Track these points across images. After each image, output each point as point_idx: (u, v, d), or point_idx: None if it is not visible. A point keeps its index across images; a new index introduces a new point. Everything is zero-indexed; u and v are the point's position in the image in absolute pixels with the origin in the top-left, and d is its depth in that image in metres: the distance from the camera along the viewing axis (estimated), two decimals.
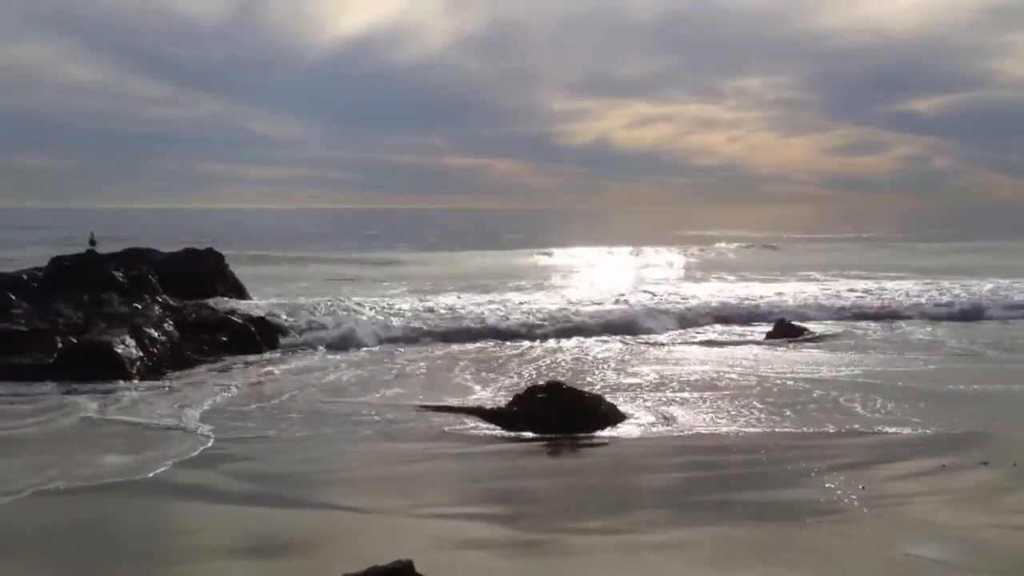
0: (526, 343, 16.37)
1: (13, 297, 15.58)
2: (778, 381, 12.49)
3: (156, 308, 16.33)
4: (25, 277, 17.52)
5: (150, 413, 10.85)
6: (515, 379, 12.76)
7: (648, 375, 13.04)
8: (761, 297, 22.05)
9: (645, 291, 22.89)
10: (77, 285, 16.79)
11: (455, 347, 15.96)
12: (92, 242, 18.74)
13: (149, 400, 11.51)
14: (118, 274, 17.64)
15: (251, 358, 14.65)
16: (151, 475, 8.23)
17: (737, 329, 18.27)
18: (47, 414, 10.78)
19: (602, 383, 12.39)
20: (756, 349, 15.83)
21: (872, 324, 18.76)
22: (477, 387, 12.30)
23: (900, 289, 23.43)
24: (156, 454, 8.96)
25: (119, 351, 12.72)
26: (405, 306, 19.51)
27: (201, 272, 20.33)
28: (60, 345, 13.15)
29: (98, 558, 6.39)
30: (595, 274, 33.77)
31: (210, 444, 9.33)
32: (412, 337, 16.65)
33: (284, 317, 17.65)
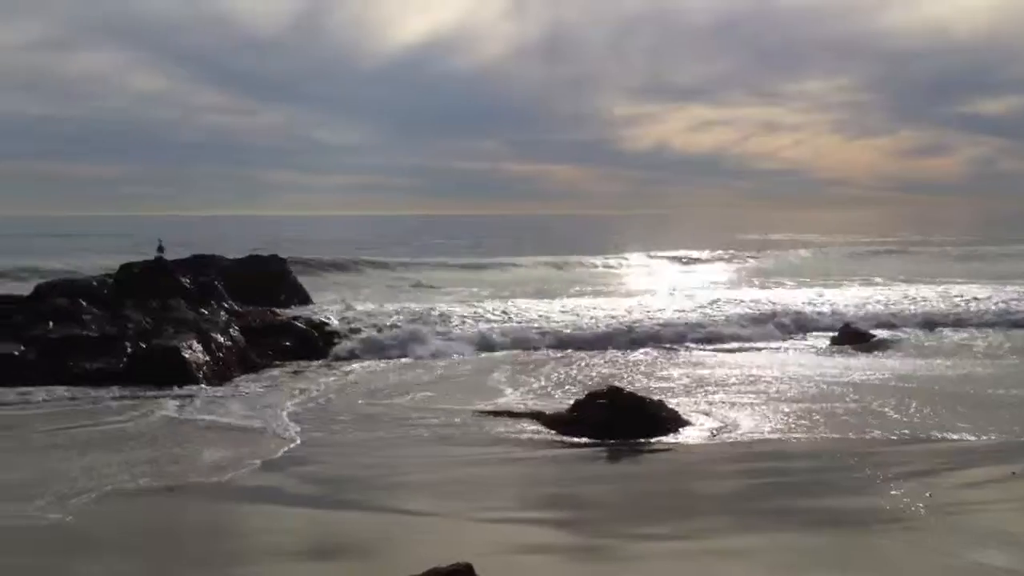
0: (599, 350, 16.12)
1: (84, 303, 15.96)
2: (842, 387, 12.31)
3: (222, 314, 16.61)
4: (95, 284, 17.95)
5: (225, 415, 11.08)
6: (579, 385, 12.73)
7: (711, 381, 12.94)
8: (826, 302, 21.74)
9: (729, 299, 22.55)
10: (146, 291, 17.15)
11: (524, 353, 15.89)
12: (160, 249, 19.14)
13: (220, 403, 11.75)
14: (185, 280, 17.99)
15: (314, 363, 14.85)
16: (223, 478, 8.40)
17: (801, 334, 17.98)
18: (125, 414, 11.07)
19: (665, 389, 12.31)
20: (821, 355, 15.63)
21: (940, 330, 18.38)
22: (540, 393, 12.31)
23: (970, 294, 22.90)
24: (233, 455, 9.14)
25: (186, 356, 12.98)
26: (467, 311, 19.59)
27: (265, 278, 20.72)
28: (129, 350, 13.45)
29: (164, 558, 6.52)
30: (659, 280, 33.47)
31: (292, 446, 9.48)
32: (481, 344, 16.55)
33: (346, 322, 17.86)
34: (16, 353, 13.11)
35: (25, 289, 18.20)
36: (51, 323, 14.72)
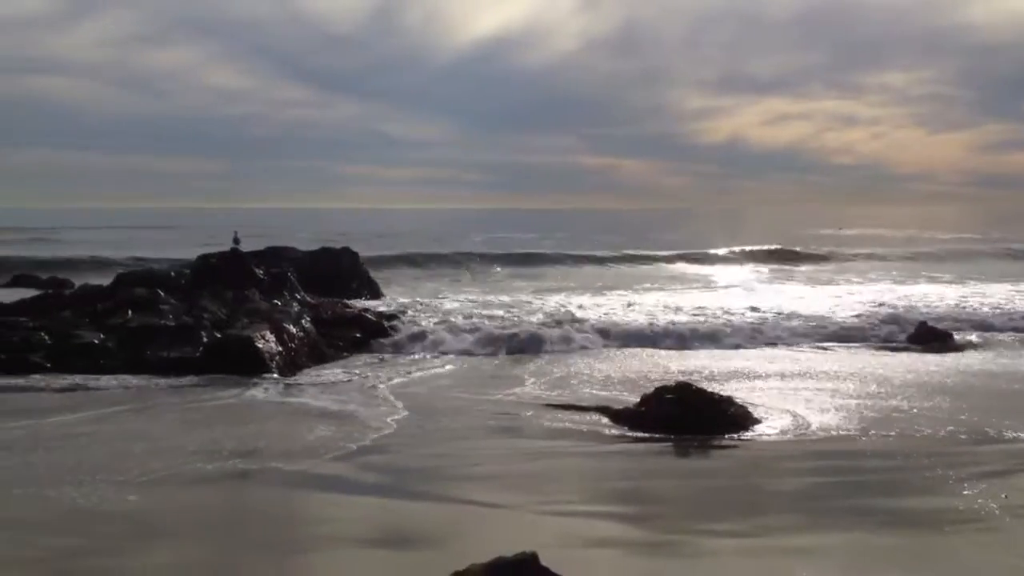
0: (675, 350, 15.85)
1: (162, 293, 16.36)
2: (918, 387, 12.04)
3: (295, 305, 16.87)
4: (173, 274, 18.40)
5: (295, 406, 11.28)
6: (650, 384, 12.63)
7: (783, 379, 12.76)
8: (903, 299, 21.29)
9: (802, 296, 22.15)
10: (221, 282, 17.51)
11: (600, 350, 15.73)
12: (236, 241, 19.51)
13: (291, 393, 11.96)
14: (259, 272, 18.31)
15: (385, 355, 14.98)
16: (293, 466, 8.54)
17: (878, 333, 17.56)
18: (198, 401, 11.33)
19: (737, 386, 12.16)
20: (897, 354, 15.30)
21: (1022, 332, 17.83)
22: (610, 387, 12.27)
23: None
24: (303, 444, 9.29)
25: (260, 346, 13.21)
26: (535, 303, 19.61)
27: (337, 270, 21.01)
28: (205, 340, 13.74)
29: (234, 543, 6.65)
30: (733, 276, 33.05)
31: (361, 436, 9.59)
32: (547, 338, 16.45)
33: (417, 315, 18.03)
34: (96, 341, 13.48)
35: (106, 279, 18.69)
36: (130, 312, 15.12)
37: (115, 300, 16.12)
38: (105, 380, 12.43)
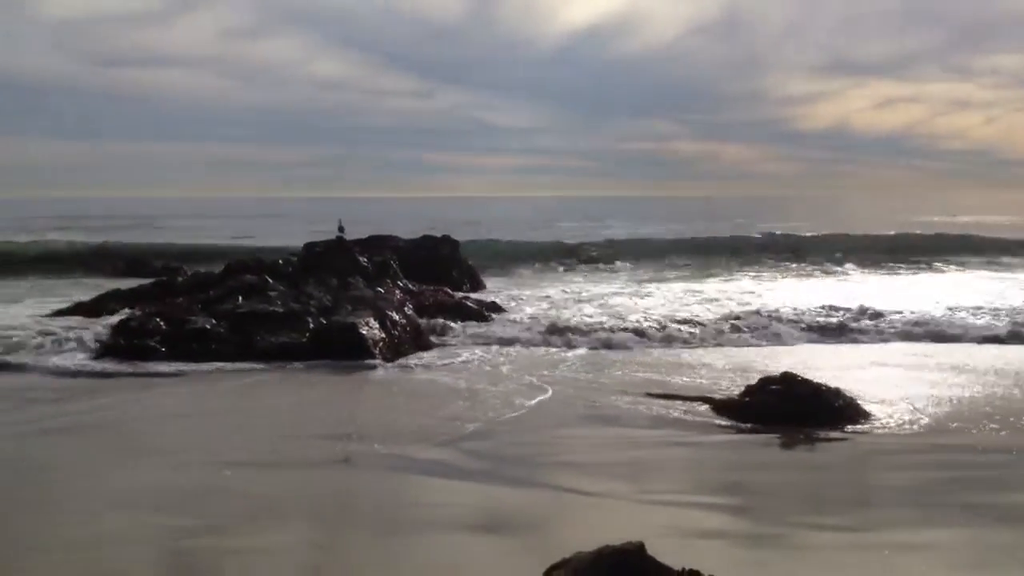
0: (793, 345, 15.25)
1: (270, 280, 16.78)
2: None
3: (397, 292, 17.11)
4: (281, 262, 18.82)
5: (396, 391, 11.46)
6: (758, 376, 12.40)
7: (894, 372, 12.41)
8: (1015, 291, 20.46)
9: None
10: (327, 269, 17.87)
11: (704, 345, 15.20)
12: (340, 229, 19.87)
13: (393, 380, 12.17)
14: (363, 259, 18.62)
15: (484, 343, 15.02)
16: (396, 450, 8.68)
17: (992, 327, 16.86)
18: (306, 387, 11.60)
19: (844, 378, 11.83)
20: (1015, 348, 14.71)
21: None
22: (715, 379, 12.12)
23: None
24: (406, 429, 9.44)
25: (363, 332, 13.43)
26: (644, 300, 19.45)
27: (438, 258, 21.20)
28: (311, 325, 14.04)
29: (338, 524, 6.80)
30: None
31: (461, 422, 9.68)
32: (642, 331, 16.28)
33: (518, 304, 18.09)
34: (208, 327, 13.90)
35: (217, 266, 19.24)
36: (240, 299, 15.55)
37: (225, 287, 16.61)
38: (215, 365, 12.81)
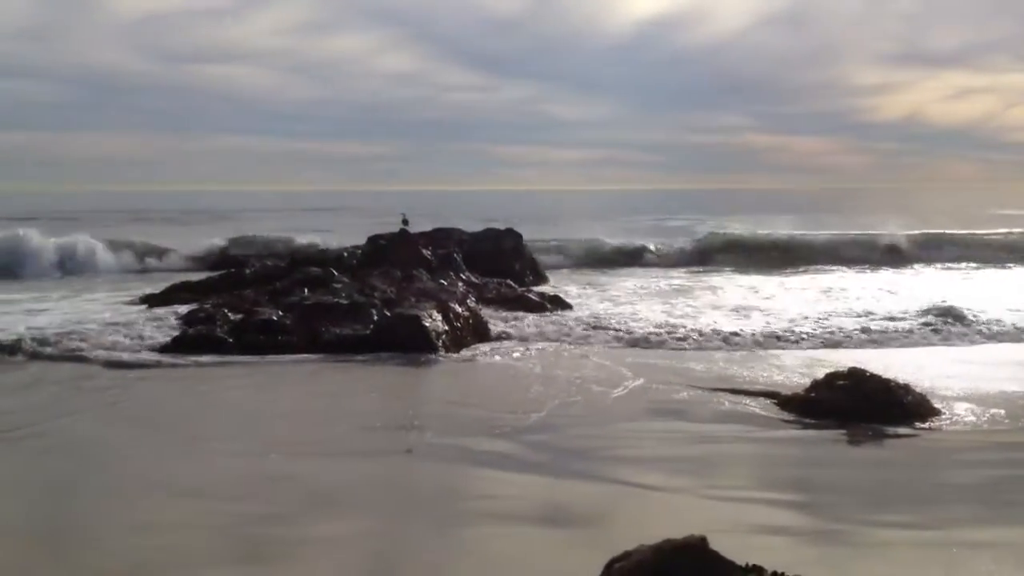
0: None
1: (335, 272, 16.98)
2: None
3: (460, 284, 17.19)
4: (345, 254, 19.09)
5: (459, 384, 11.52)
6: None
7: (970, 369, 12.07)
8: None
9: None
10: (390, 262, 18.03)
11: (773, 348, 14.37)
12: (404, 222, 20.05)
13: (457, 371, 12.22)
14: (426, 252, 18.75)
15: (546, 336, 14.98)
16: (458, 441, 8.72)
17: None
18: (371, 379, 11.72)
19: (914, 376, 11.56)
20: None
21: None
22: (780, 377, 11.96)
23: None
24: (467, 421, 9.48)
25: (427, 324, 13.50)
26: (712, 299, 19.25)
27: (501, 251, 21.22)
28: (375, 317, 14.15)
29: (400, 514, 6.84)
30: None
31: (522, 414, 9.68)
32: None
33: (583, 298, 18.05)
34: (275, 318, 14.09)
35: (284, 258, 19.51)
36: (306, 290, 15.76)
37: (291, 279, 16.85)
38: (281, 357, 12.98)
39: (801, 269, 26.09)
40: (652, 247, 30.02)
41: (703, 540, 4.48)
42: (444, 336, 13.56)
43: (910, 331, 14.93)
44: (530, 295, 17.52)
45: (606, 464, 8.01)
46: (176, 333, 13.92)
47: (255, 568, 5.86)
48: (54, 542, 6.34)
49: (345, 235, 28.35)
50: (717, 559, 4.46)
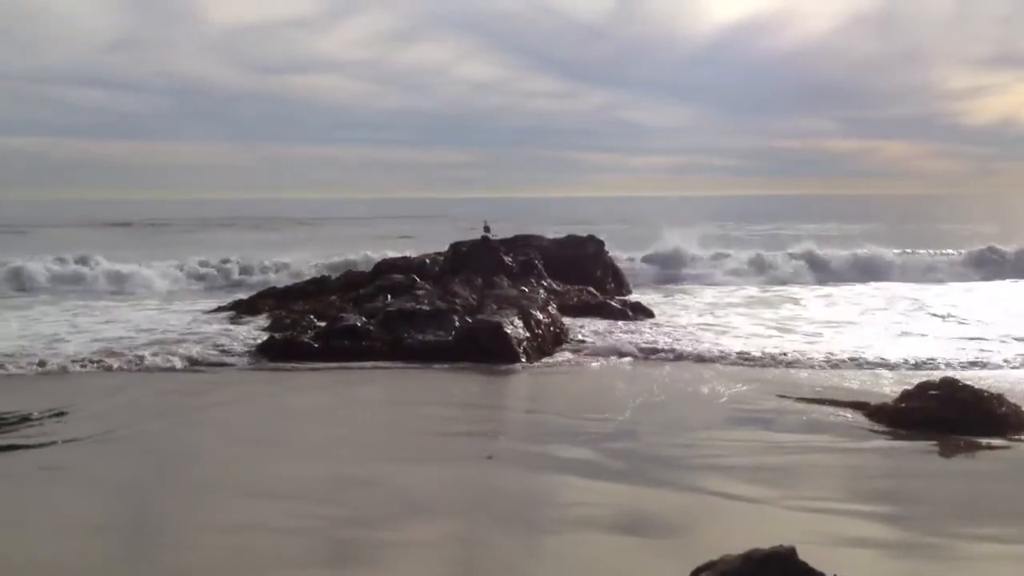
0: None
1: (418, 279, 17.16)
2: None
3: (541, 291, 17.21)
4: (428, 261, 19.25)
5: (537, 393, 11.53)
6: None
7: None
8: None
9: None
10: (472, 268, 18.13)
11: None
12: (486, 229, 20.14)
13: (536, 379, 12.24)
14: (508, 259, 18.81)
15: (627, 345, 14.87)
16: (538, 448, 8.74)
17: None
18: (457, 386, 11.81)
19: (1007, 387, 11.21)
20: None
21: None
22: (869, 386, 11.70)
23: None
24: (547, 428, 9.49)
25: (508, 331, 13.55)
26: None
27: (582, 258, 21.15)
28: (457, 324, 14.25)
29: (483, 520, 6.87)
30: None
31: (605, 421, 9.65)
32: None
33: (667, 306, 17.91)
34: (359, 324, 14.30)
35: (367, 265, 19.78)
36: (389, 297, 15.95)
37: (375, 286, 17.08)
38: (365, 363, 13.14)
39: (884, 282, 25.19)
40: (735, 257, 28.89)
41: (792, 551, 4.42)
42: (525, 343, 13.59)
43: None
44: (612, 302, 17.47)
45: (688, 473, 7.93)
46: (263, 339, 14.22)
47: (340, 571, 5.94)
48: (142, 540, 6.54)
49: (427, 242, 28.59)
50: (805, 569, 4.39)
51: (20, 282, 21.96)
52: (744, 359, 13.32)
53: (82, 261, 24.86)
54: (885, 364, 12.79)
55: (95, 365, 12.68)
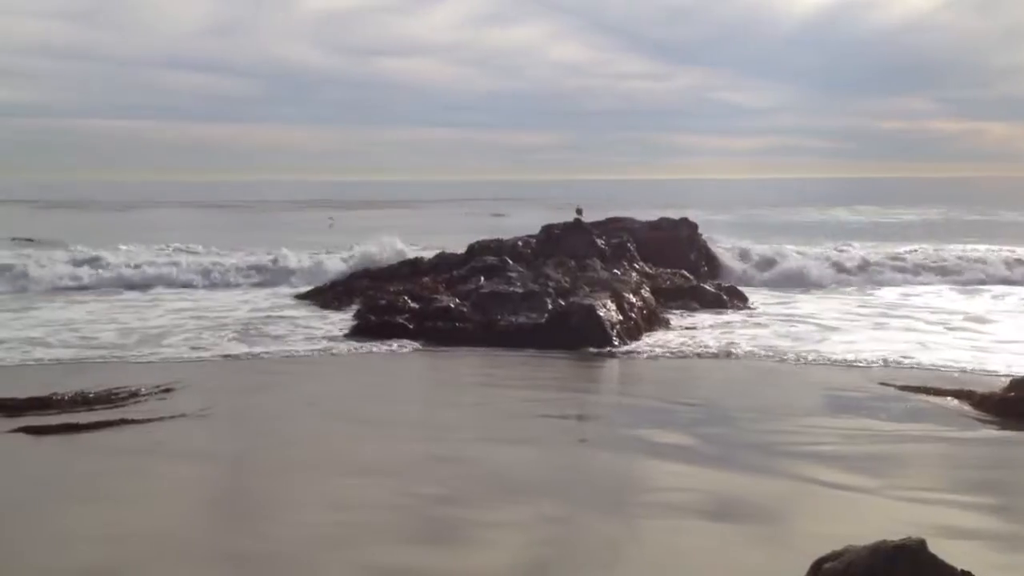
0: None
1: (510, 262, 17.22)
2: None
3: (633, 274, 17.10)
4: (520, 244, 19.27)
5: (631, 377, 11.49)
6: None
7: None
8: None
9: None
10: (564, 251, 18.12)
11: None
12: (579, 212, 20.10)
13: (628, 363, 12.21)
14: (600, 241, 18.74)
15: (721, 327, 14.72)
16: (630, 432, 8.73)
17: None
18: (551, 366, 11.87)
19: None
20: None
21: None
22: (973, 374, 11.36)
23: None
24: (639, 412, 9.46)
25: (601, 314, 13.51)
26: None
27: (675, 241, 20.91)
28: (550, 306, 14.26)
29: (578, 502, 6.89)
30: None
31: (697, 404, 9.59)
32: None
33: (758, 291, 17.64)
34: (452, 305, 14.44)
35: (460, 246, 19.87)
36: (482, 279, 16.06)
37: (468, 267, 17.20)
38: (458, 346, 13.26)
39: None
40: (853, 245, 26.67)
41: (922, 543, 4.32)
42: (618, 326, 13.54)
43: None
44: (705, 286, 17.26)
45: (785, 459, 7.82)
46: (358, 320, 14.46)
47: (438, 549, 6.03)
48: (246, 513, 6.74)
49: (519, 224, 28.65)
50: (935, 563, 4.29)
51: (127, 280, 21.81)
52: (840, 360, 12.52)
53: (185, 250, 25.35)
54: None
55: (194, 349, 12.97)
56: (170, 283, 20.06)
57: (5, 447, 8.29)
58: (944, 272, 21.21)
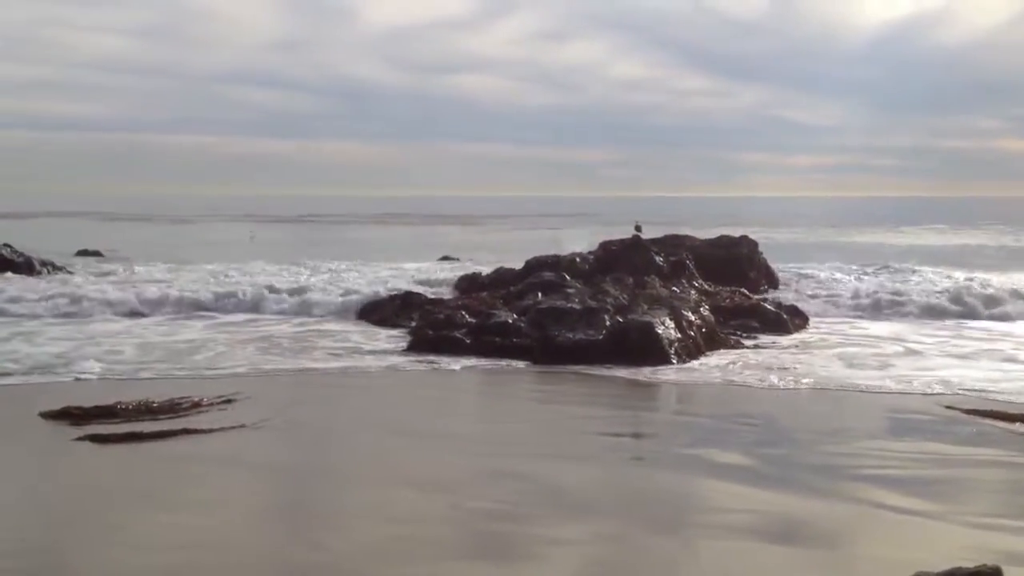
0: None
1: (567, 277, 17.19)
2: None
3: (692, 292, 16.96)
4: (578, 260, 19.24)
5: (693, 395, 11.39)
6: None
7: None
8: None
9: None
10: (622, 268, 18.04)
11: None
12: (637, 228, 20.02)
13: (691, 378, 12.09)
14: (659, 258, 18.63)
15: (783, 348, 14.50)
16: (687, 451, 8.63)
17: None
18: (609, 384, 11.81)
19: None
20: None
21: None
22: None
23: None
24: (696, 431, 9.36)
25: (659, 331, 13.41)
26: None
27: (735, 259, 20.73)
28: (608, 323, 14.19)
29: (635, 522, 6.82)
30: None
31: (757, 426, 9.47)
32: None
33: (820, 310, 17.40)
34: (510, 320, 14.45)
35: (517, 262, 19.89)
36: (539, 295, 16.04)
37: (526, 283, 17.20)
38: (515, 361, 13.25)
39: None
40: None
41: (997, 570, 4.22)
42: (676, 344, 13.43)
43: None
44: (766, 305, 17.05)
45: (847, 482, 7.67)
46: (415, 335, 14.53)
47: (497, 565, 6.02)
48: (307, 524, 6.79)
49: (578, 240, 28.65)
50: None
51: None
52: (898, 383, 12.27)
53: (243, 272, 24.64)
54: None
55: (253, 364, 13.06)
56: (226, 308, 19.54)
57: (71, 454, 8.47)
58: None
